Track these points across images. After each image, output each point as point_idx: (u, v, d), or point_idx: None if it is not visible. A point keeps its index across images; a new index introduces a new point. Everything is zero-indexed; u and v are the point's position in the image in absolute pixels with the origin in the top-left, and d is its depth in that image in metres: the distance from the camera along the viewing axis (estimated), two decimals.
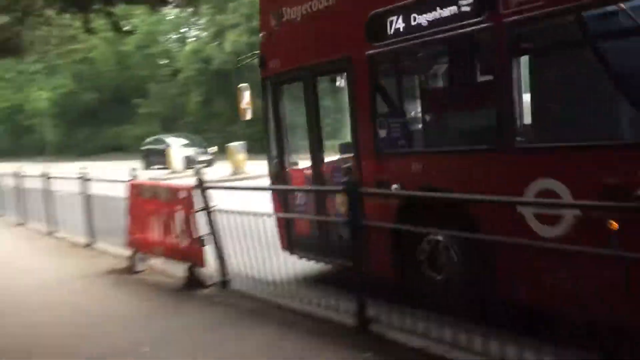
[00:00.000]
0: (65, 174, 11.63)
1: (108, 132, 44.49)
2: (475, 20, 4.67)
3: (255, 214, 6.17)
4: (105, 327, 5.66)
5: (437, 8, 4.95)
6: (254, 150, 31.63)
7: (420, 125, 5.87)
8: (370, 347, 4.58)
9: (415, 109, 6.09)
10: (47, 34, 5.81)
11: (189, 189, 6.99)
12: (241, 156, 20.68)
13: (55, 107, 47.02)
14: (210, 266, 6.82)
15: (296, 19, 6.53)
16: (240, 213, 6.34)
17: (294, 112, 7.27)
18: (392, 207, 5.38)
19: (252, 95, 8.31)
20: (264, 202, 7.16)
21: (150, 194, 7.68)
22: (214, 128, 36.90)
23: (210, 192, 6.93)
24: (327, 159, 6.83)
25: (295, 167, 7.24)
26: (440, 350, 4.22)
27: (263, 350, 4.80)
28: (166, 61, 42.90)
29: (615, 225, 3.57)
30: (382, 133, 5.69)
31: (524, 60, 4.77)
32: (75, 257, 9.21)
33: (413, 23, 5.17)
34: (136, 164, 10.83)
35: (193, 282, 6.85)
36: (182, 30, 44.93)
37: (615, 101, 4.15)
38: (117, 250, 8.90)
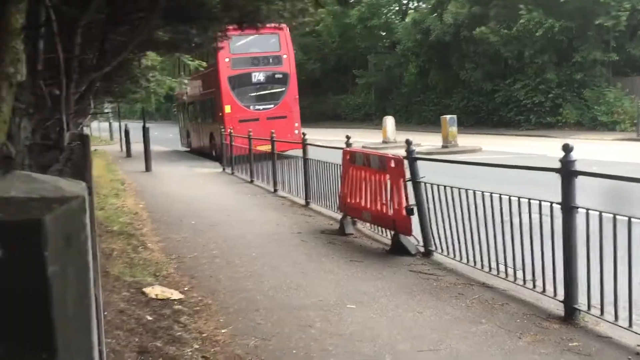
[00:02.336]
0: (287, 140, 12.69)
1: (329, 101, 46.88)
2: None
3: (463, 189, 6.21)
4: (316, 281, 6.17)
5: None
6: (466, 123, 31.08)
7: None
8: (576, 337, 4.40)
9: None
10: (282, 8, 6.32)
11: (399, 159, 7.21)
12: (452, 129, 20.41)
13: None
14: (415, 235, 7.02)
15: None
16: (446, 186, 6.45)
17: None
18: None
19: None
20: (475, 177, 7.09)
21: (363, 161, 8.06)
22: (428, 99, 36.84)
23: (419, 163, 7.10)
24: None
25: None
26: None
27: (460, 327, 4.86)
28: (384, 33, 43.58)
29: None
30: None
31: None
32: (293, 214, 10.07)
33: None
34: (352, 132, 11.34)
35: (398, 249, 7.10)
36: (403, 2, 45.16)
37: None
38: (330, 212, 9.57)
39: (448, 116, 21.21)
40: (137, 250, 7.38)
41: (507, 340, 4.49)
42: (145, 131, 17.97)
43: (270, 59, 18.92)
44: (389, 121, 24.23)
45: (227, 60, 18.09)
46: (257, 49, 18.54)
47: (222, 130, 17.42)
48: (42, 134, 2.53)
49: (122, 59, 4.16)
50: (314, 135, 13.77)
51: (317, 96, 48.24)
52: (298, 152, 11.36)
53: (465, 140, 21.18)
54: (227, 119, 18.28)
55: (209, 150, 21.35)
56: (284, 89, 19.13)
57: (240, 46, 18.03)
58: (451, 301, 5.39)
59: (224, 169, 17.43)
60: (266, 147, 13.22)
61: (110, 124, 35.79)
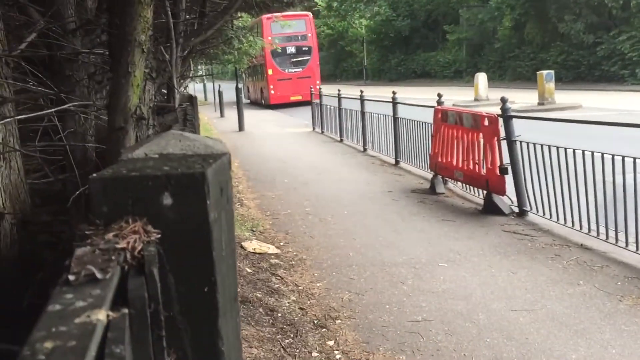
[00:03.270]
0: (377, 97, 12.65)
1: (418, 58, 45.88)
2: None
3: (558, 147, 6.01)
4: (407, 240, 6.23)
5: None
6: (565, 79, 29.52)
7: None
8: None
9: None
10: None
11: (493, 117, 7.03)
12: (550, 85, 19.46)
13: (373, 33, 50.03)
14: (509, 195, 6.89)
15: None
16: (543, 145, 6.25)
17: None
18: None
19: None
20: (575, 135, 6.82)
21: (455, 120, 7.92)
22: (523, 54, 35.20)
23: (514, 121, 6.90)
24: None
25: None
26: None
27: (556, 288, 4.78)
28: None
29: None
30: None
31: None
32: (383, 173, 10.11)
33: None
34: (443, 90, 11.11)
35: (491, 209, 7.00)
36: None
37: None
38: (420, 172, 9.53)
39: (545, 71, 20.20)
40: (234, 206, 7.71)
41: (607, 302, 4.38)
42: (237, 92, 18.44)
43: (300, 37, 26.46)
44: (481, 78, 23.45)
45: (270, 38, 23.39)
46: (290, 30, 24.22)
47: (270, 86, 26.34)
48: (161, 104, 2.71)
49: (223, 22, 4.31)
50: (403, 93, 13.63)
51: (406, 54, 47.36)
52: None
53: (564, 97, 20.17)
54: (270, 78, 26.51)
55: (260, 100, 29.43)
56: (309, 57, 27.09)
57: (277, 28, 23.88)
58: (547, 262, 5.30)
59: (314, 128, 17.64)
60: (297, 97, 23.27)
61: (204, 84, 36.98)
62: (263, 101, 28.56)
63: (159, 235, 0.67)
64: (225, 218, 0.75)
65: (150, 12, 1.36)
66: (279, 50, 25.57)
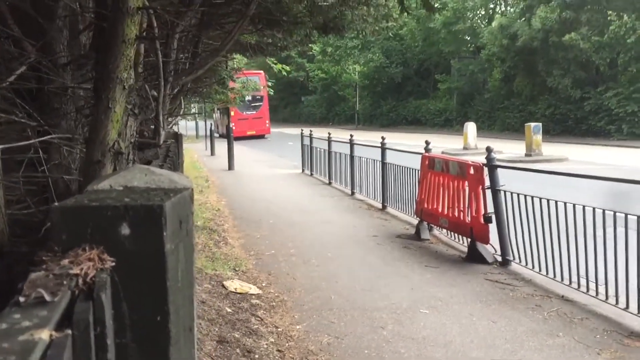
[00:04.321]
0: (368, 142, 12.79)
1: (409, 105, 46.57)
2: None
3: (541, 198, 6.09)
4: (390, 285, 6.22)
5: None
6: (552, 131, 29.98)
7: None
8: None
9: None
10: (365, 13, 6.43)
11: (479, 166, 7.13)
12: (537, 137, 19.78)
13: (366, 79, 50.89)
14: (493, 244, 6.93)
15: None
16: (527, 195, 6.33)
17: None
18: None
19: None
20: (560, 187, 6.91)
21: (442, 167, 8.02)
22: (512, 106, 35.82)
23: (500, 171, 7.00)
24: None
25: None
26: None
27: (535, 339, 4.78)
28: (469, 38, 42.80)
29: None
30: None
31: None
32: (369, 217, 10.14)
33: None
34: (432, 137, 11.27)
35: (474, 257, 7.03)
36: (490, 7, 44.16)
37: None
38: (406, 217, 9.58)
39: (533, 124, 20.57)
40: (218, 245, 7.69)
41: (585, 355, 4.38)
42: (228, 130, 18.57)
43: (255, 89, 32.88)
44: (471, 127, 23.80)
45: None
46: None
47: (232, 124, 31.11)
48: (141, 132, 2.75)
49: (213, 62, 4.39)
50: (394, 139, 13.83)
51: (398, 100, 48.04)
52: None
53: (551, 149, 20.49)
54: (233, 118, 32.26)
55: (226, 136, 34.39)
56: (261, 104, 35.17)
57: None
58: (527, 312, 5.30)
59: (303, 170, 17.73)
60: (252, 132, 31.87)
61: (196, 122, 37.27)
62: (228, 135, 36.34)
63: (114, 263, 0.70)
64: (184, 250, 0.78)
65: (133, 52, 1.41)
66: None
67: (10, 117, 2.07)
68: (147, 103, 2.32)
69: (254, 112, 35.63)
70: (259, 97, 34.86)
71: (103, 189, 0.79)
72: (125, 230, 0.71)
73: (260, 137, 34.60)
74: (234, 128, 32.37)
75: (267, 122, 36.59)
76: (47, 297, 0.58)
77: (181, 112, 7.58)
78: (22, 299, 0.58)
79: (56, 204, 0.72)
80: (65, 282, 0.62)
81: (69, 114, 2.76)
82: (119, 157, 1.45)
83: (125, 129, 1.76)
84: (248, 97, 33.06)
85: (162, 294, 0.72)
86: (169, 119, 6.05)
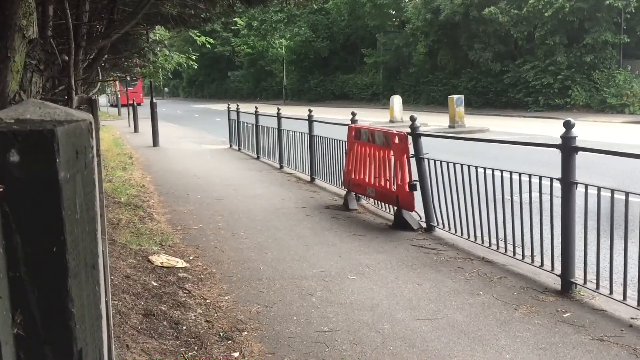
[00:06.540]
0: (295, 116, 12.76)
1: (336, 80, 46.77)
2: None
3: (463, 165, 6.29)
4: (319, 254, 6.28)
5: None
6: (475, 104, 30.95)
7: None
8: (571, 309, 4.50)
9: None
10: None
11: (403, 135, 7.27)
12: (460, 109, 20.39)
13: (293, 54, 50.62)
14: (418, 211, 7.12)
15: None
16: (449, 162, 6.53)
17: None
18: None
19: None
20: (481, 156, 7.14)
21: (368, 137, 8.12)
22: (436, 80, 36.68)
23: (424, 140, 7.17)
24: None
25: None
26: None
27: (457, 298, 4.97)
28: (394, 12, 43.26)
29: None
30: None
31: None
32: (298, 190, 10.17)
33: None
34: (360, 111, 11.38)
35: (400, 224, 7.20)
36: None
37: None
38: (334, 189, 9.67)
39: (455, 96, 21.16)
40: (143, 221, 7.51)
41: (504, 311, 4.60)
42: (152, 106, 18.05)
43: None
44: (397, 100, 24.22)
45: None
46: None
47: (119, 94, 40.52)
48: (52, 98, 2.62)
49: (129, 29, 4.23)
50: (321, 114, 13.88)
51: (325, 75, 48.14)
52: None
53: (473, 121, 21.18)
54: (121, 92, 38.86)
55: (126, 106, 37.30)
56: (136, 83, 41.55)
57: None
58: (450, 274, 5.50)
59: (230, 146, 17.53)
60: (130, 101, 29.12)
61: (118, 100, 35.96)
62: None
63: (1, 189, 0.65)
64: (82, 182, 0.75)
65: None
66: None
67: None
68: (56, 61, 2.21)
69: (132, 88, 43.05)
70: (135, 79, 39.09)
71: None
72: (14, 157, 0.67)
73: (138, 104, 37.32)
74: (120, 97, 40.79)
75: (141, 94, 46.17)
76: None
77: (99, 80, 7.27)
78: None
79: None
80: None
81: None
82: None
83: (30, 86, 1.67)
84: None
85: (58, 224, 0.69)
86: (89, 89, 5.80)
